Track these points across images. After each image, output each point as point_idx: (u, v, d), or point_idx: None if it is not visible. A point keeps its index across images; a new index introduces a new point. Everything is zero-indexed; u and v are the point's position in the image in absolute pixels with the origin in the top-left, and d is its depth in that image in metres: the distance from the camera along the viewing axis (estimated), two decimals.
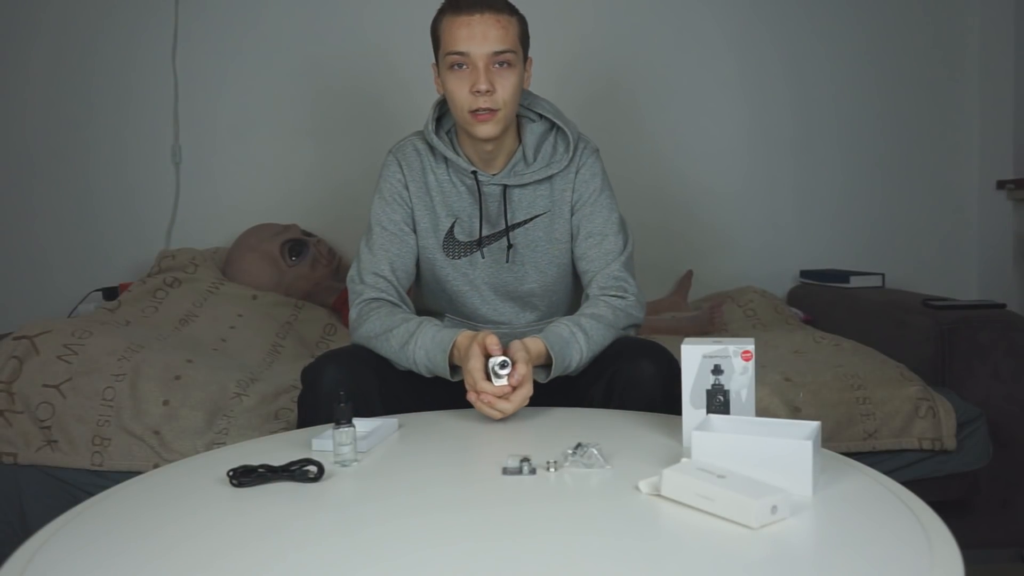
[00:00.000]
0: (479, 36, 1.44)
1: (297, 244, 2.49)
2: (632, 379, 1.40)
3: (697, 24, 2.79)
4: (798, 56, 2.81)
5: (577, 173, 1.59)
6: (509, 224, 1.59)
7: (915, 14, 2.81)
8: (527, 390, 1.31)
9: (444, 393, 1.47)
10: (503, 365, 1.30)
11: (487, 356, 1.32)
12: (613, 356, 1.45)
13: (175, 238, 2.73)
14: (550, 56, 2.71)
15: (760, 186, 2.83)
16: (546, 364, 1.41)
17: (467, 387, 1.33)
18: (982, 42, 2.82)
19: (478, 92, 1.45)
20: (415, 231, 1.61)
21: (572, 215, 1.60)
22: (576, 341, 1.42)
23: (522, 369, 1.30)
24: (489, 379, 1.30)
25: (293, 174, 2.77)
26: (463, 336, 1.39)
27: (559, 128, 1.60)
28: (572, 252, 1.62)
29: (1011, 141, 2.75)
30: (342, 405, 1.13)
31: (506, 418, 1.31)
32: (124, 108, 2.71)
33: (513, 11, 1.50)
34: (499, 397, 1.30)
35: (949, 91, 2.84)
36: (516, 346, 1.36)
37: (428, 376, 1.46)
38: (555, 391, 1.47)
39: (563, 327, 1.44)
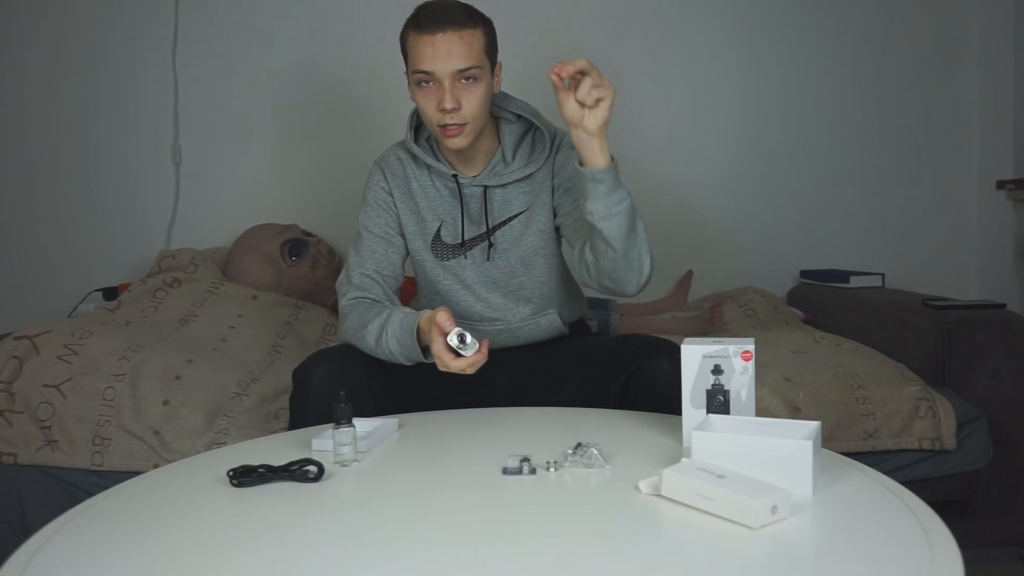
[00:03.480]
0: (443, 55, 1.43)
1: (297, 244, 2.49)
2: (650, 376, 1.42)
3: (696, 22, 2.79)
4: (797, 55, 2.81)
5: (555, 158, 1.57)
6: (491, 225, 1.59)
7: (914, 14, 2.81)
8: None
9: (437, 388, 1.46)
10: (461, 338, 1.29)
11: (445, 334, 1.30)
12: (633, 353, 1.46)
13: (175, 238, 2.73)
14: (547, 55, 2.72)
15: (760, 186, 2.83)
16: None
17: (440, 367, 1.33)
18: (982, 42, 2.81)
19: (444, 110, 1.45)
20: (402, 235, 1.62)
21: (553, 196, 1.57)
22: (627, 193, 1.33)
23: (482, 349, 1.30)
24: (457, 353, 1.30)
25: (293, 174, 2.77)
26: (423, 319, 1.38)
27: (537, 128, 1.60)
28: (558, 230, 1.58)
29: (1011, 141, 2.75)
30: (342, 405, 1.13)
31: (505, 415, 1.32)
32: (124, 108, 2.71)
33: (477, 22, 1.47)
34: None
35: (949, 91, 2.84)
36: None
37: (409, 364, 1.46)
38: (573, 383, 1.48)
39: None
